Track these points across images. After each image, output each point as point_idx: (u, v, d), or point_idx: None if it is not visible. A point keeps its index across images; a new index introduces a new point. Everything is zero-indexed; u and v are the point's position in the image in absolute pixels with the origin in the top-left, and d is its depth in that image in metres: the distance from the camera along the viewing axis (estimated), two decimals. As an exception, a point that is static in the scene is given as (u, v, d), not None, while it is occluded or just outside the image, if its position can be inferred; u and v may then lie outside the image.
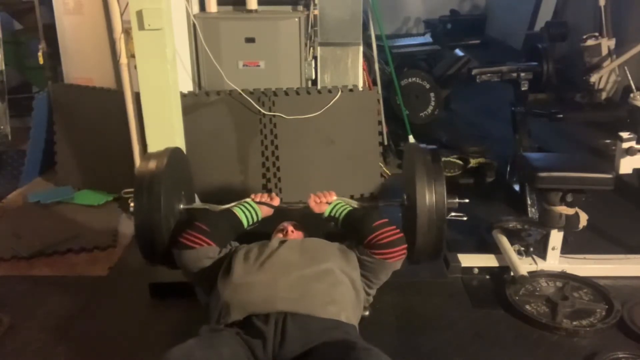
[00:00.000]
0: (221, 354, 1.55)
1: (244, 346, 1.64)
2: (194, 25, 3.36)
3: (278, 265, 1.83)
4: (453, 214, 1.96)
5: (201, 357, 1.51)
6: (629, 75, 3.62)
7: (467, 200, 2.00)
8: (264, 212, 2.13)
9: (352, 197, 2.59)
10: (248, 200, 2.13)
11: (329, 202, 2.12)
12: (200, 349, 1.54)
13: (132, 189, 1.97)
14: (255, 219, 2.09)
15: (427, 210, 1.87)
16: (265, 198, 2.14)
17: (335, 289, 1.80)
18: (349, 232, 2.02)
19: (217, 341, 1.60)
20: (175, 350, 1.51)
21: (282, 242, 1.95)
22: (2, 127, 3.61)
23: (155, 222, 1.92)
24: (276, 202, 2.15)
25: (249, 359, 1.63)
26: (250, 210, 2.08)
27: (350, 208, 2.08)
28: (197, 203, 2.26)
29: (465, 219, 1.98)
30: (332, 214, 2.08)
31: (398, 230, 1.92)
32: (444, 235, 1.90)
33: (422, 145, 2.08)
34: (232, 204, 2.14)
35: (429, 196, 1.88)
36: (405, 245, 1.92)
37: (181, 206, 2.14)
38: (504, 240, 2.77)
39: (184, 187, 2.21)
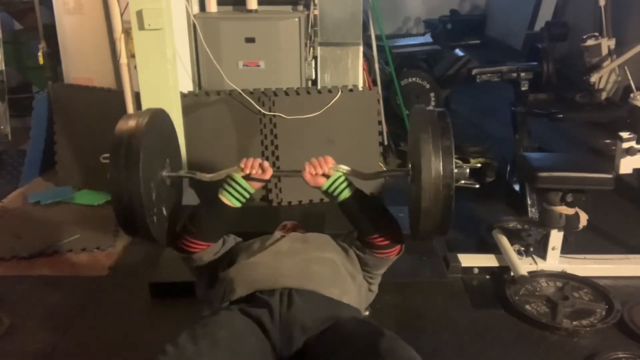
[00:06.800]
0: (217, 340, 1.51)
1: (247, 322, 1.61)
2: (194, 25, 3.36)
3: (282, 251, 1.85)
4: (463, 181, 1.73)
5: (194, 351, 1.47)
6: (629, 75, 3.61)
7: (478, 165, 1.79)
8: (256, 186, 1.92)
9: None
10: (237, 178, 1.88)
11: (326, 174, 1.88)
12: (194, 342, 1.49)
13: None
14: (247, 198, 1.92)
15: (432, 177, 1.64)
16: (256, 169, 1.87)
17: (337, 276, 1.81)
18: (346, 216, 1.92)
19: (211, 328, 1.55)
20: (168, 348, 1.47)
21: (284, 235, 1.96)
22: (2, 127, 3.61)
23: (133, 187, 1.69)
24: (268, 174, 1.88)
25: (254, 334, 1.60)
26: (241, 192, 1.88)
27: (350, 191, 1.88)
28: (183, 170, 2.04)
29: (477, 186, 1.75)
30: (331, 191, 1.89)
31: (397, 228, 1.88)
32: (452, 206, 1.68)
33: (429, 108, 1.84)
34: (222, 172, 1.93)
35: (435, 162, 1.65)
36: (402, 245, 1.90)
37: (165, 173, 1.91)
38: (504, 240, 2.77)
39: (169, 153, 1.99)
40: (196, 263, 1.92)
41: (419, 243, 2.85)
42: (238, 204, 1.88)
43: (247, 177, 1.88)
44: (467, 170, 1.74)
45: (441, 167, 1.64)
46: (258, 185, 1.92)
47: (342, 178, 1.88)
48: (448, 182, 1.64)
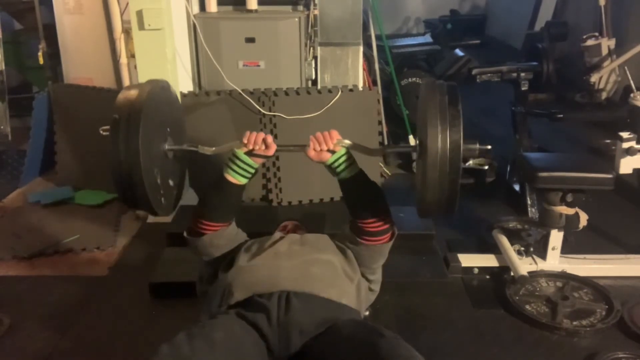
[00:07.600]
0: (213, 341, 1.51)
1: (244, 326, 1.61)
2: (194, 25, 3.36)
3: (280, 252, 1.84)
4: (472, 162, 1.71)
5: (189, 350, 1.47)
6: (629, 75, 3.62)
7: (489, 147, 1.75)
8: (259, 162, 1.89)
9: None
10: (239, 154, 1.84)
11: (330, 150, 1.84)
12: (189, 342, 1.49)
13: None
14: (252, 173, 1.90)
15: (439, 153, 1.57)
16: (259, 145, 1.83)
17: (336, 278, 1.81)
18: (344, 195, 1.92)
19: (208, 329, 1.56)
20: (163, 347, 1.47)
21: (283, 237, 1.96)
22: (2, 127, 3.61)
23: (133, 159, 1.65)
24: (271, 150, 1.84)
25: (251, 336, 1.60)
26: (245, 168, 1.86)
27: (353, 170, 1.86)
28: (186, 144, 1.99)
29: (486, 167, 1.74)
30: (334, 167, 1.85)
31: (390, 215, 1.87)
32: (458, 185, 1.63)
33: (439, 82, 1.77)
34: (225, 146, 1.91)
35: (442, 138, 1.59)
36: (394, 231, 1.89)
37: (167, 146, 1.88)
38: (504, 240, 2.77)
39: (172, 126, 1.94)
40: (206, 249, 1.91)
41: (419, 243, 2.86)
42: (244, 180, 1.87)
43: (250, 153, 1.85)
44: (477, 146, 1.69)
45: (448, 140, 1.59)
46: (262, 160, 1.90)
47: (347, 156, 1.85)
48: (455, 161, 1.59)
